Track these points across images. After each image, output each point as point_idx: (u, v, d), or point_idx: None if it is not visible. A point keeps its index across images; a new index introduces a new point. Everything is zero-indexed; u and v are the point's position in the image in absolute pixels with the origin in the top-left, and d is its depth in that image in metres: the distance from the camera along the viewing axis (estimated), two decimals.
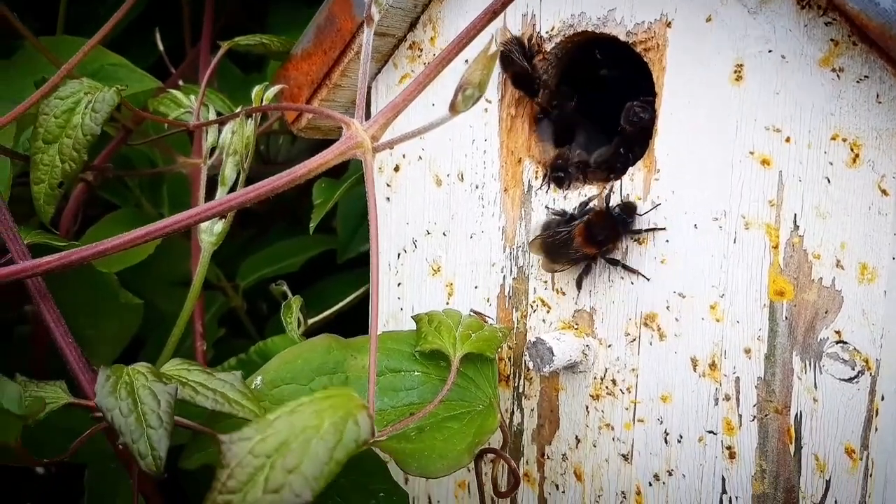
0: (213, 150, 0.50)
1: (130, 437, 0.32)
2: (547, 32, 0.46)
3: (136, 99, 0.57)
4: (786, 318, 0.39)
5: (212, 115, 0.52)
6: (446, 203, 0.51)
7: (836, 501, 0.38)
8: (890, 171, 0.35)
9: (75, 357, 0.39)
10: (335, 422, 0.29)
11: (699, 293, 0.41)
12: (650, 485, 0.44)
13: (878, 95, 0.35)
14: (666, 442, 0.43)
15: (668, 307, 0.42)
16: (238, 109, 0.49)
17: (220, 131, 0.50)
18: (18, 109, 0.46)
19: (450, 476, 0.52)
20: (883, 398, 0.36)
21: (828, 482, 0.38)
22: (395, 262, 0.54)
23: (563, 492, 0.47)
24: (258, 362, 0.55)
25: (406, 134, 0.36)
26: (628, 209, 0.42)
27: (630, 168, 0.43)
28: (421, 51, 0.51)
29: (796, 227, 0.38)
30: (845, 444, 0.38)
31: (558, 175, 0.46)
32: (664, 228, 0.42)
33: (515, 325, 0.49)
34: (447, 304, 0.52)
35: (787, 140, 0.38)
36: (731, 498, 0.41)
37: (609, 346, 0.45)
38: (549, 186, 0.47)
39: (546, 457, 0.48)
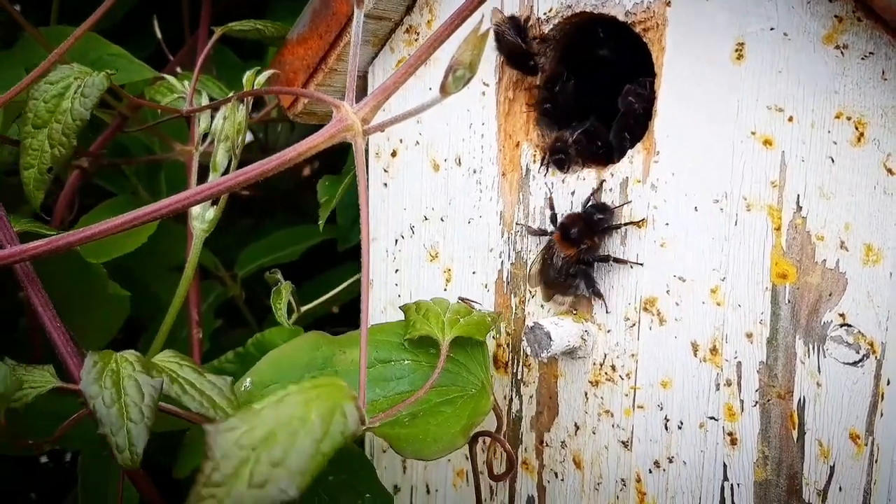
0: (206, 136, 0.49)
1: (110, 429, 0.32)
2: (544, 14, 0.45)
3: (134, 88, 0.57)
4: (788, 301, 0.38)
5: (206, 102, 0.51)
6: (444, 188, 0.50)
7: (840, 488, 0.37)
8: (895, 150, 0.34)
9: (63, 341, 0.38)
10: (322, 413, 0.28)
11: (700, 277, 0.40)
12: (650, 472, 0.43)
13: (883, 72, 0.34)
14: (666, 428, 0.42)
15: (668, 291, 0.41)
16: (230, 94, 0.49)
17: (212, 117, 0.49)
18: (8, 94, 0.45)
19: (448, 464, 0.51)
20: (889, 382, 0.36)
21: (832, 468, 0.37)
22: (392, 248, 0.53)
23: (563, 479, 0.47)
24: (256, 356, 0.55)
25: (396, 116, 0.35)
26: (600, 207, 0.42)
27: (629, 150, 0.43)
28: (418, 34, 0.50)
29: (799, 208, 0.37)
30: (850, 429, 0.37)
31: (558, 157, 0.45)
32: (643, 220, 0.41)
33: (514, 310, 0.48)
34: (445, 290, 0.51)
35: (790, 119, 0.37)
36: (732, 485, 0.40)
37: (608, 331, 0.44)
38: (547, 170, 0.46)
39: (545, 444, 0.47)
